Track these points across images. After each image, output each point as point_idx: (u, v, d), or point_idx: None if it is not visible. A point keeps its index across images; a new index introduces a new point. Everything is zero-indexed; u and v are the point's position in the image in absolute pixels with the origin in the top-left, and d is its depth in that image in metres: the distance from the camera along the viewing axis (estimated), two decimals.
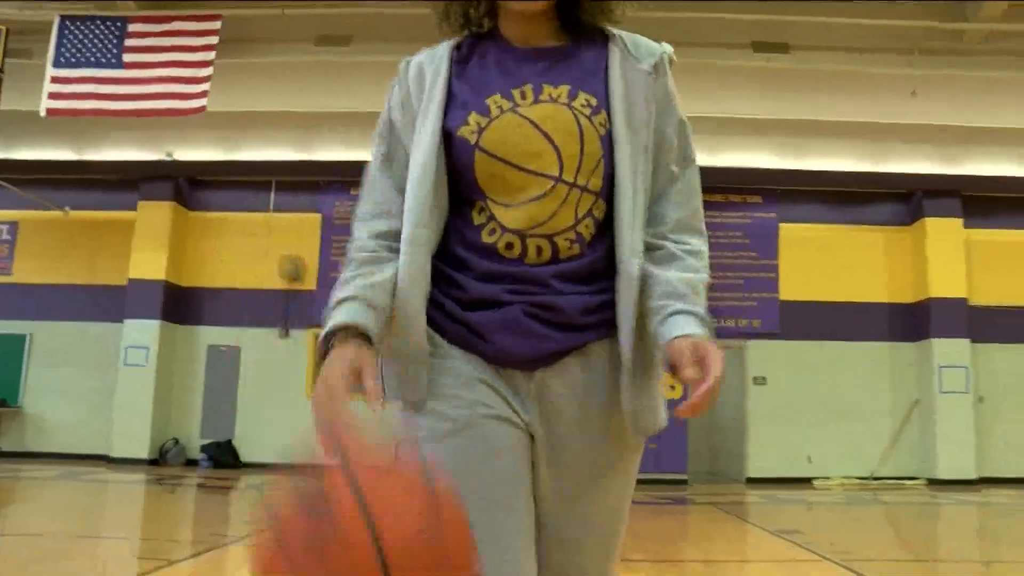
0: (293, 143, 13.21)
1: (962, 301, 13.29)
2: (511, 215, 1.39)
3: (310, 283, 13.36)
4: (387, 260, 1.42)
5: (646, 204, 1.43)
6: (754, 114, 12.27)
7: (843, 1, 11.12)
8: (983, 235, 13.68)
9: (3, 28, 11.22)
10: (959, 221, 13.49)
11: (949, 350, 13.12)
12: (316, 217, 13.54)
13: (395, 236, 1.45)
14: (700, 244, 1.47)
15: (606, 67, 1.47)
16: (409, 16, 9.96)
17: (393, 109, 1.52)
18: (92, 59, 11.22)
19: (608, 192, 1.42)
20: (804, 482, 12.78)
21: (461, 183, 1.44)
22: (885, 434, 13.33)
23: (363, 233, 1.47)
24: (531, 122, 1.39)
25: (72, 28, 11.35)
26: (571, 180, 1.38)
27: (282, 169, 13.42)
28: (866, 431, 13.27)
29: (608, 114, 1.42)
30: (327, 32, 11.76)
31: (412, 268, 1.39)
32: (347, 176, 12.76)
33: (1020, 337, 13.52)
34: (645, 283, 1.41)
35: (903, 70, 11.55)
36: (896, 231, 13.85)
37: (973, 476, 12.70)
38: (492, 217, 1.41)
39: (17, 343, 13.68)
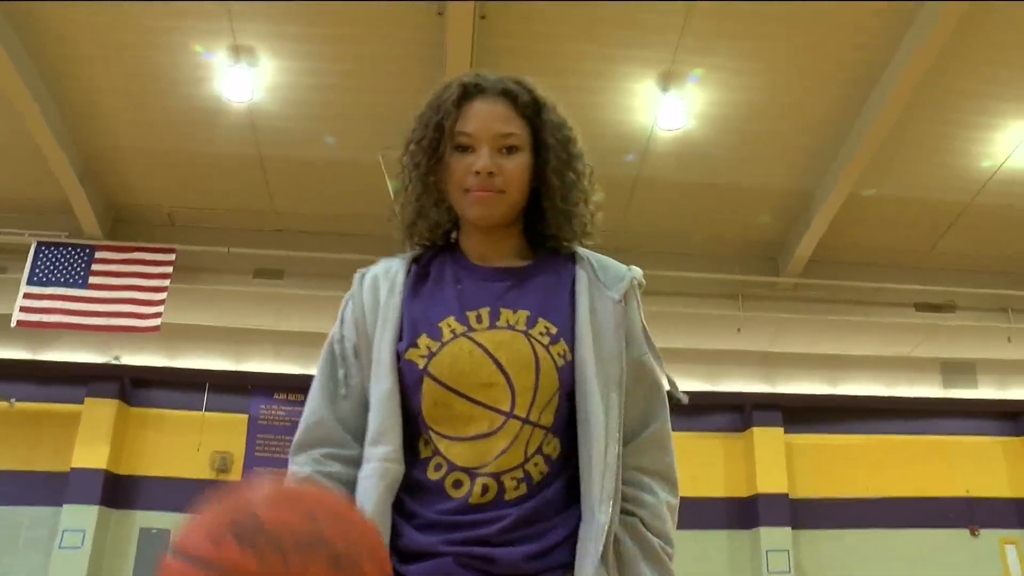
0: (227, 354, 14.93)
1: (784, 495, 15.79)
2: (457, 450, 1.24)
3: (236, 475, 14.68)
4: None
5: (621, 444, 1.27)
6: None
7: (683, 256, 13.90)
8: (800, 439, 16.30)
9: None
10: (780, 429, 16.15)
11: (774, 537, 15.39)
12: (244, 417, 15.06)
13: (343, 472, 1.30)
14: (671, 495, 1.32)
15: (572, 292, 1.34)
16: (333, 260, 11.86)
17: (346, 326, 1.37)
18: (61, 279, 12.72)
19: (563, 428, 1.27)
20: None
21: (407, 410, 1.29)
22: None
23: (310, 470, 1.30)
24: (484, 349, 1.26)
25: (46, 252, 12.96)
26: (523, 416, 1.24)
27: (216, 376, 15.04)
28: None
29: (571, 344, 1.28)
30: (263, 267, 13.42)
31: (376, 509, 1.23)
32: (273, 384, 14.66)
33: (835, 524, 15.89)
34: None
35: (731, 311, 14.01)
36: (730, 437, 16.36)
37: None
38: (437, 451, 1.26)
39: None
